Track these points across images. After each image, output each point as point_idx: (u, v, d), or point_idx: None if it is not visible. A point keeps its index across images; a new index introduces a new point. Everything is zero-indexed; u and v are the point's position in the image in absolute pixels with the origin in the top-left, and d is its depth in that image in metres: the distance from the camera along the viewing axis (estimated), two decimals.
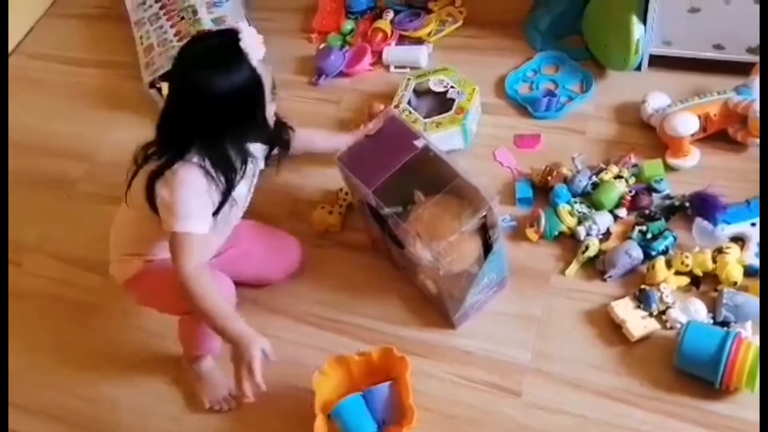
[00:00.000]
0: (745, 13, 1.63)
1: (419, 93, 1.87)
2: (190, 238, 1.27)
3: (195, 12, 2.12)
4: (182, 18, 2.13)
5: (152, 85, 2.02)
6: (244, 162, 1.36)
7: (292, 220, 1.77)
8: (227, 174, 1.32)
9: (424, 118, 1.79)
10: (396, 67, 2.05)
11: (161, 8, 2.20)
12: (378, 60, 2.09)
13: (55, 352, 1.66)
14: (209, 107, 1.26)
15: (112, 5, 2.40)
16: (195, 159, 1.29)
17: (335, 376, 1.42)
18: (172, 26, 2.12)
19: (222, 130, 1.30)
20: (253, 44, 1.26)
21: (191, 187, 1.28)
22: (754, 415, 1.29)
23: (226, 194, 1.33)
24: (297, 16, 2.29)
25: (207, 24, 2.07)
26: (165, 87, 2.00)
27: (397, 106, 1.82)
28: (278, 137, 1.53)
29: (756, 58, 1.70)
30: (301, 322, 1.60)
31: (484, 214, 1.32)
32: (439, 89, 1.84)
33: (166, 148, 1.31)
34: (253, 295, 1.64)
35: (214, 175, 1.30)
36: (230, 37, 1.27)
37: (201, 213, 1.30)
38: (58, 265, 1.83)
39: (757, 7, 1.61)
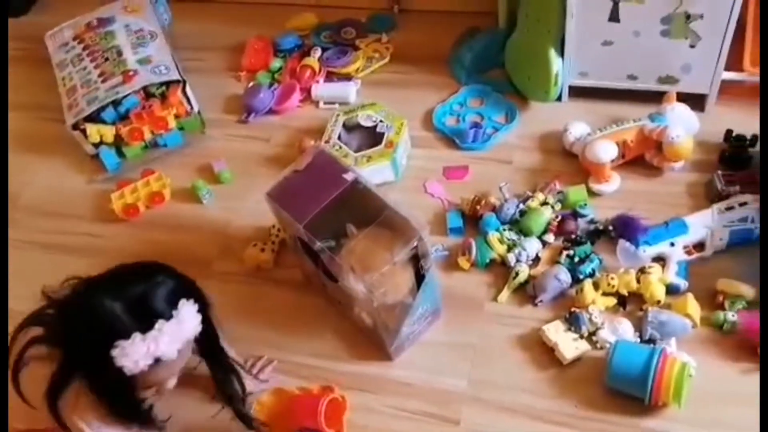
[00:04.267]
0: (654, 46, 1.73)
1: (349, 128, 1.89)
2: None
3: (120, 53, 2.10)
4: (106, 59, 2.10)
5: (75, 127, 1.97)
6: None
7: (223, 258, 1.75)
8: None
9: (355, 152, 1.81)
10: (325, 103, 2.07)
11: (84, 49, 2.16)
12: (307, 97, 2.10)
13: None
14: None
15: (32, 47, 2.35)
16: None
17: (274, 408, 1.39)
18: (96, 67, 2.09)
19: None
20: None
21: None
22: (683, 428, 1.33)
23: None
24: (225, 55, 2.29)
25: (132, 65, 2.05)
26: (89, 129, 1.97)
27: (327, 142, 1.84)
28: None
29: (667, 88, 1.79)
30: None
31: (415, 244, 1.34)
32: (369, 124, 1.87)
33: None
34: None
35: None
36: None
37: None
38: None
39: (665, 40, 1.70)
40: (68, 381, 1.12)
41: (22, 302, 1.21)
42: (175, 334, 1.08)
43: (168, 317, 1.07)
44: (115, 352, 1.03)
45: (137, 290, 1.08)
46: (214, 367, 1.30)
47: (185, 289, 1.13)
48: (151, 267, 1.14)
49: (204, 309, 1.15)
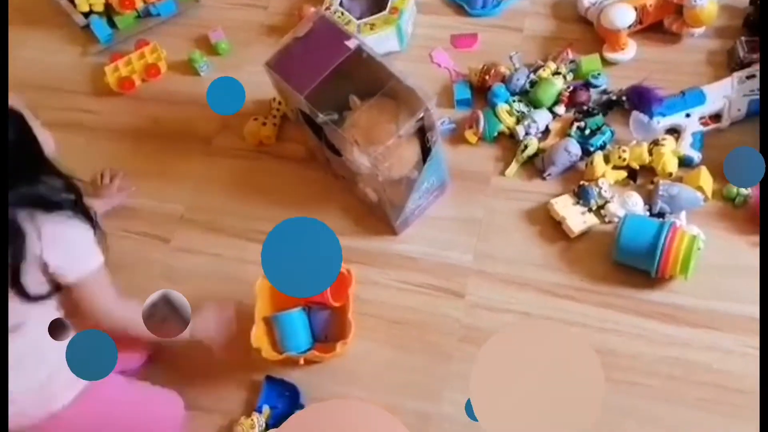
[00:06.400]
0: None
1: None
2: None
3: None
4: None
5: None
6: None
7: (225, 134, 1.71)
8: None
9: (357, 19, 1.71)
10: None
11: None
12: None
13: None
14: None
15: None
16: None
17: None
18: None
19: None
20: None
21: None
22: (686, 300, 1.34)
23: None
24: None
25: None
26: None
27: (328, 8, 1.74)
28: None
29: None
30: (243, 238, 1.56)
31: (421, 115, 1.28)
32: None
33: None
34: (192, 215, 1.59)
35: None
36: None
37: None
38: None
39: None
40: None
41: None
42: None
43: None
44: None
45: None
46: None
47: None
48: None
49: None
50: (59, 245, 1.08)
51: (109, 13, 1.90)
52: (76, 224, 1.11)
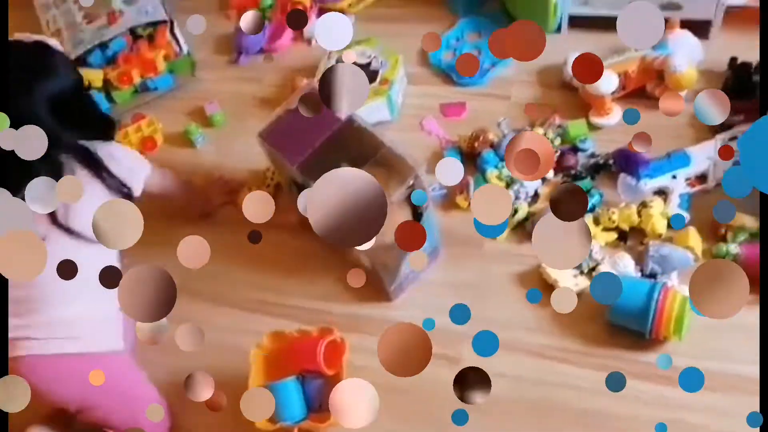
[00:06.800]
0: None
1: None
2: None
3: None
4: None
5: None
6: None
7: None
8: None
9: None
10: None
11: None
12: (299, 35, 2.04)
13: None
14: None
15: None
16: None
17: (274, 351, 1.39)
18: (79, 9, 2.02)
19: None
20: None
21: None
22: (682, 361, 1.30)
23: None
24: None
25: (117, 4, 1.99)
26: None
27: None
28: None
29: (670, 14, 1.72)
30: (237, 308, 1.57)
31: (411, 182, 1.31)
32: (363, 61, 1.82)
33: None
34: (188, 284, 1.59)
35: None
36: None
37: None
38: None
39: None
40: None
41: None
42: None
43: None
44: None
45: None
46: None
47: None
48: None
49: None
50: (121, 165, 1.36)
51: (107, 88, 1.96)
52: (122, 146, 1.46)
